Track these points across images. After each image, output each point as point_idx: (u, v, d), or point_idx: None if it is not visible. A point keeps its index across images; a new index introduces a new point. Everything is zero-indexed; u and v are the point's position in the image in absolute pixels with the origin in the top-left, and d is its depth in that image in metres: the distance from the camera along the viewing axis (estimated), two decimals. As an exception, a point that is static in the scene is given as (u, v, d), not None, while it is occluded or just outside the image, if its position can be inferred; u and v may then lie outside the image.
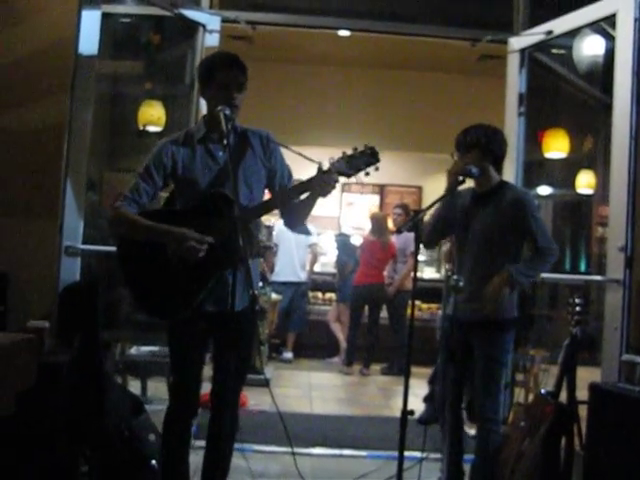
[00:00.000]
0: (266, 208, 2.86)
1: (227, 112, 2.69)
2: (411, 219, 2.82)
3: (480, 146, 3.30)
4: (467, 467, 3.54)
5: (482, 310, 3.26)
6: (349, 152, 2.71)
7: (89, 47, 3.74)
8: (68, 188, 3.66)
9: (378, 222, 7.89)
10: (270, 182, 2.93)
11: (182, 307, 2.77)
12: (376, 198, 10.67)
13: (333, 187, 2.70)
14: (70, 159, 3.68)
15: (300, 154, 2.77)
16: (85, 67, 3.73)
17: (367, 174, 2.71)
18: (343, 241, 8.49)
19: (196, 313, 2.79)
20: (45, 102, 3.65)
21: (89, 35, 3.75)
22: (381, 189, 10.69)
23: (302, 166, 3.03)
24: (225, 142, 2.65)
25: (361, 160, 2.69)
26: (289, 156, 2.98)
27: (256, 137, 2.91)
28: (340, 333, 8.14)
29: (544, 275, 5.10)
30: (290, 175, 2.99)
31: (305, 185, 2.75)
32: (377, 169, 2.70)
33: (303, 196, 2.82)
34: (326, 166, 2.71)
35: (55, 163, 3.63)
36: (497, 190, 3.40)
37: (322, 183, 2.69)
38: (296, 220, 3.03)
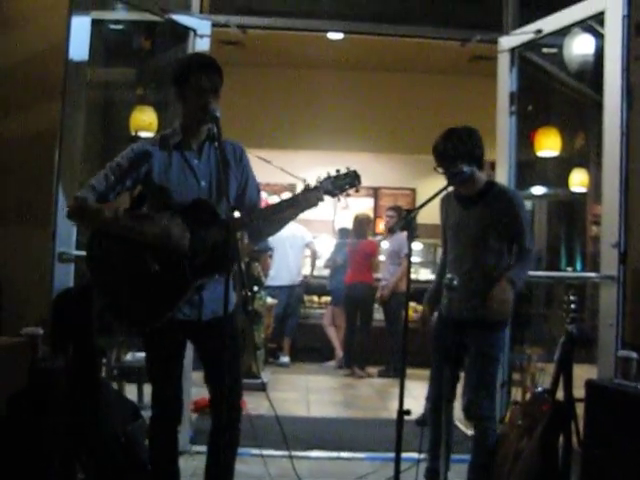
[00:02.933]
0: (258, 216, 2.84)
1: (217, 114, 2.67)
2: (403, 218, 2.83)
3: (462, 155, 3.33)
4: (464, 467, 3.54)
5: (488, 312, 3.30)
6: (333, 173, 2.78)
7: (79, 53, 3.73)
8: (60, 195, 3.64)
9: (355, 223, 8.03)
10: (240, 196, 2.91)
11: (158, 315, 2.70)
12: (370, 201, 10.68)
13: (316, 204, 2.77)
14: (62, 166, 3.66)
15: (282, 169, 2.82)
16: (76, 74, 3.72)
17: (348, 195, 2.82)
18: (343, 237, 8.47)
19: (168, 321, 2.73)
20: (36, 109, 3.64)
21: (79, 41, 3.74)
22: (375, 192, 10.71)
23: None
24: (217, 144, 2.64)
25: (345, 181, 2.80)
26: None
27: (230, 148, 2.88)
28: (335, 338, 8.15)
29: (540, 274, 5.12)
30: (259, 190, 3.00)
31: (290, 202, 2.78)
32: (357, 191, 2.83)
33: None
34: (312, 184, 2.78)
35: (47, 170, 3.62)
36: (486, 191, 3.43)
37: (309, 199, 2.75)
38: (261, 236, 3.11)
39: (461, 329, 3.38)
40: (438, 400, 3.48)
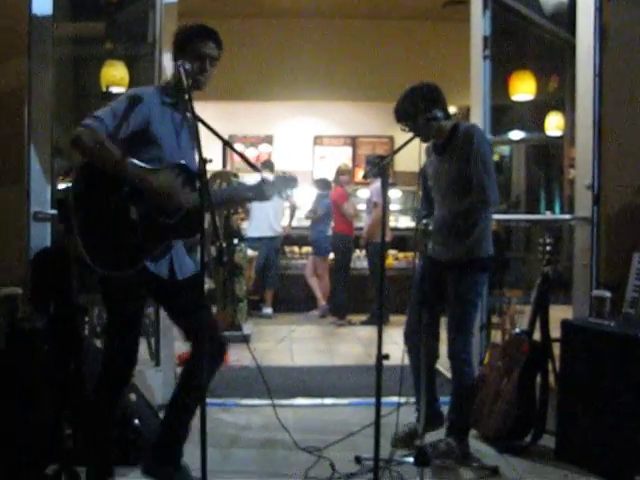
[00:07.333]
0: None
1: (187, 67, 2.64)
2: (377, 165, 2.84)
3: (419, 113, 3.33)
4: (446, 408, 3.61)
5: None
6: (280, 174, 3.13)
7: (43, 7, 3.64)
8: (32, 153, 3.60)
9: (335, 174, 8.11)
10: None
11: (129, 264, 2.71)
12: (349, 150, 10.64)
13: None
14: (33, 123, 3.61)
15: (243, 158, 2.87)
16: (41, 28, 3.63)
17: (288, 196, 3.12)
18: (321, 188, 8.46)
19: (137, 275, 2.74)
20: (2, 66, 3.57)
21: (43, -5, 3.66)
22: (353, 140, 10.65)
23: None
24: (187, 97, 2.61)
25: (289, 186, 3.05)
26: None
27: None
28: (317, 288, 8.22)
29: (516, 217, 5.16)
30: None
31: (246, 190, 3.03)
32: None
33: None
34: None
35: (18, 128, 3.57)
36: (452, 134, 3.43)
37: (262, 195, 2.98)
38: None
39: (441, 269, 3.41)
40: (411, 336, 3.51)
